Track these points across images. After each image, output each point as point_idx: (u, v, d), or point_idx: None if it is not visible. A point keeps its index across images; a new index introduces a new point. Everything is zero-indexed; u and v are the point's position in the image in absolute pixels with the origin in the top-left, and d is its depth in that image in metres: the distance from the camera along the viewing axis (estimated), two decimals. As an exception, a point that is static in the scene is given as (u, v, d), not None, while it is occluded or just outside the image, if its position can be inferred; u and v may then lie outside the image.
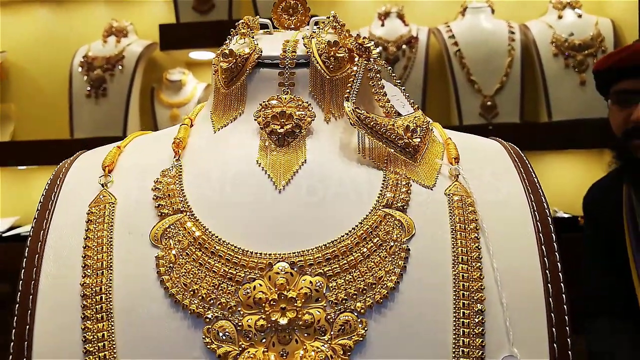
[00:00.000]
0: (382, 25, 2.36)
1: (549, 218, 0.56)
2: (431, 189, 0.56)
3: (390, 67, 0.65)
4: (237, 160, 0.57)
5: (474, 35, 2.30)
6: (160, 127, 2.51)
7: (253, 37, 0.64)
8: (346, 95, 0.58)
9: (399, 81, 0.68)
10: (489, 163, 0.62)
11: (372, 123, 0.56)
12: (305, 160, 0.56)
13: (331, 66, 0.60)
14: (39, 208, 0.58)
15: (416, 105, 0.64)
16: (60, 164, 0.66)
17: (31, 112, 2.64)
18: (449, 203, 0.55)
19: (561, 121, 2.19)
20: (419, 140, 0.58)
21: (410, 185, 0.55)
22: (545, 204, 0.57)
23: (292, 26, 0.69)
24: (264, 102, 0.59)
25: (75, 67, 2.47)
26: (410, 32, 2.33)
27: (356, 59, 0.61)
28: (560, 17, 2.30)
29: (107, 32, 2.52)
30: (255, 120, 0.58)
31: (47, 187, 0.61)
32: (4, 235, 2.30)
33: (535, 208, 0.56)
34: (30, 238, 0.56)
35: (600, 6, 2.35)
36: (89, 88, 2.42)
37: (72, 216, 0.56)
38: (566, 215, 2.17)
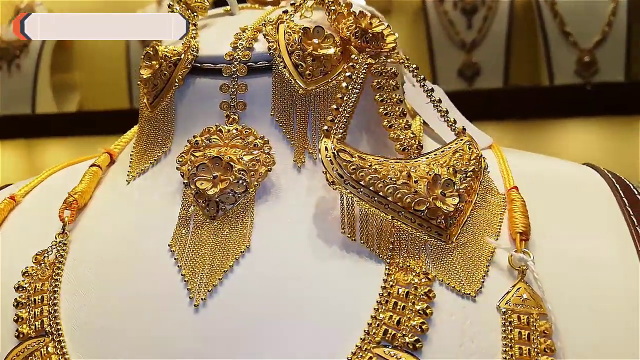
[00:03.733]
0: (457, -32, 2.06)
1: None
2: (473, 300, 0.31)
3: (415, 66, 0.39)
4: (143, 243, 0.35)
5: (569, -24, 1.98)
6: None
7: (195, 25, 0.41)
8: (326, 126, 0.34)
9: (428, 91, 0.42)
10: (584, 225, 0.36)
11: (368, 178, 0.32)
12: (248, 246, 0.33)
13: (307, 72, 0.36)
14: None
15: (461, 126, 0.39)
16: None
17: (94, 81, 2.59)
18: (505, 330, 0.30)
19: (677, 79, 1.88)
20: (456, 202, 0.33)
21: (433, 295, 0.31)
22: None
23: (270, 0, 0.45)
24: (194, 137, 0.36)
25: (131, 33, 2.38)
26: (491, -25, 2.02)
27: (353, 56, 0.36)
28: (679, -51, 1.91)
29: (159, -7, 2.37)
30: (177, 169, 0.35)
31: None
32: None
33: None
34: None
35: None
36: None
37: None
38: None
